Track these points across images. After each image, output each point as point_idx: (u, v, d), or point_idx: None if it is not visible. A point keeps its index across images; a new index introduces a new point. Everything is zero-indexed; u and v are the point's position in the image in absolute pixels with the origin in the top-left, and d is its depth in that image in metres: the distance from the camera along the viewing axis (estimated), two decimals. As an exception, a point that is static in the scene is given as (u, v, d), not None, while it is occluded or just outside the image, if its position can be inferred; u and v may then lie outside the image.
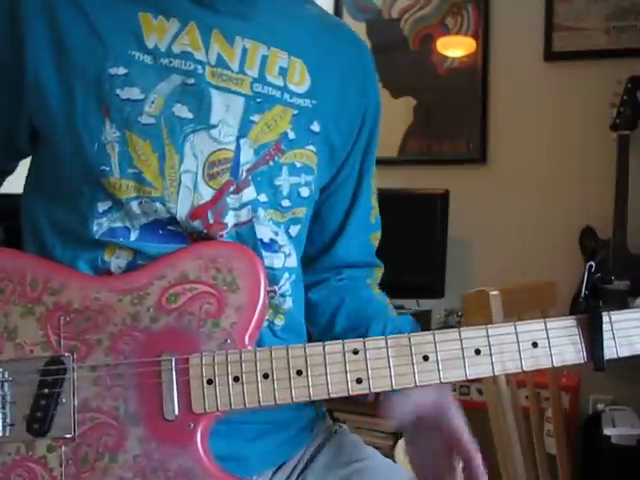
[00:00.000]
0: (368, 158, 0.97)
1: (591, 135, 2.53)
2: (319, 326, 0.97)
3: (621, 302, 2.23)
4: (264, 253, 0.83)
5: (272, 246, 0.84)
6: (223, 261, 0.75)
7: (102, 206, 0.77)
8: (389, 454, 2.16)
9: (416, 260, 2.50)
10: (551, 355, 0.72)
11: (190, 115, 0.77)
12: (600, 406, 2.31)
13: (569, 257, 2.47)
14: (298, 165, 0.84)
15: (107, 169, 0.76)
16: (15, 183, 0.94)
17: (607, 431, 2.06)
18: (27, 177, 0.86)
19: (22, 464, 0.71)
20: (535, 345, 0.72)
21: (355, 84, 0.92)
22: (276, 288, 0.85)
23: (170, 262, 0.75)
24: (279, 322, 0.86)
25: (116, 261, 0.77)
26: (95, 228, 0.77)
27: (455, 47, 2.77)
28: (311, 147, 0.86)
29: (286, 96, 0.84)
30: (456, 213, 2.54)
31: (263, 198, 0.82)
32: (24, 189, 0.87)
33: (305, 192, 0.86)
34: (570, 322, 0.73)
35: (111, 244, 0.77)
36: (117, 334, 0.73)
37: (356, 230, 0.98)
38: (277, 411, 0.81)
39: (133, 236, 0.78)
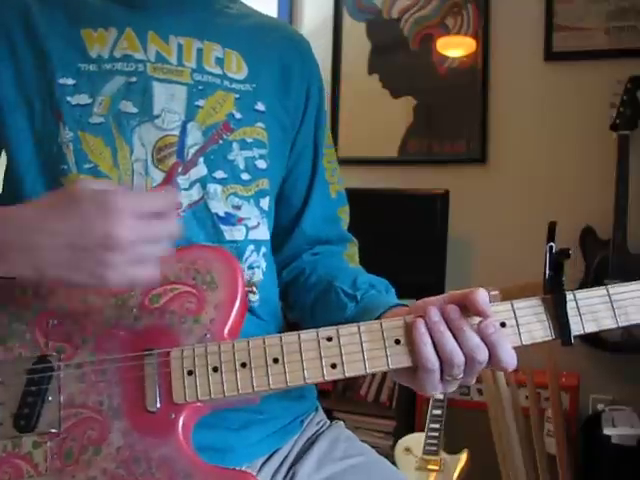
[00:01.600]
0: (320, 132, 1.03)
1: (591, 135, 2.53)
2: (292, 296, 1.00)
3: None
4: (222, 227, 0.87)
5: (229, 219, 0.88)
6: (202, 262, 0.78)
7: None
8: (389, 454, 2.16)
9: (416, 260, 2.51)
10: (519, 333, 0.74)
11: (135, 110, 0.85)
12: (600, 406, 2.31)
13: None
14: (249, 140, 0.91)
15: (65, 167, 0.82)
16: None
17: (607, 431, 2.06)
18: (3, 179, 0.90)
19: (8, 461, 0.73)
20: (503, 325, 0.74)
21: (295, 67, 0.99)
22: (244, 267, 0.88)
23: None
24: (254, 297, 0.90)
25: None
26: None
27: (455, 47, 2.77)
28: (260, 124, 0.92)
29: (226, 82, 0.91)
30: (456, 213, 2.54)
31: (220, 174, 0.88)
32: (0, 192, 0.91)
33: (262, 164, 0.92)
34: (536, 302, 0.75)
35: None
36: (102, 334, 0.76)
37: (319, 204, 1.02)
38: (268, 401, 0.83)
39: None
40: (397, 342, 0.73)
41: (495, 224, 2.66)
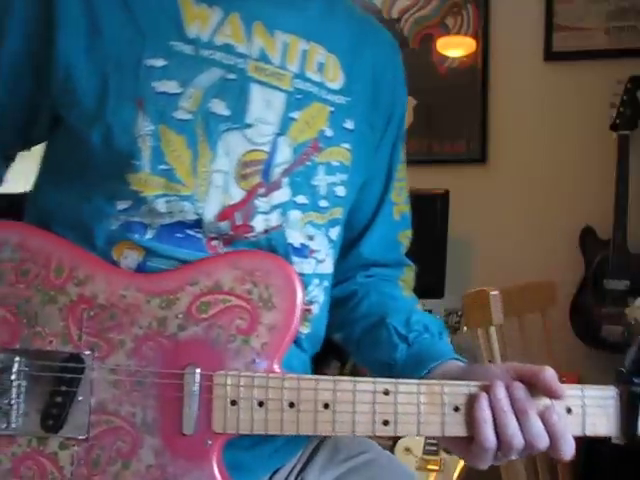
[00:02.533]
0: (396, 153, 0.96)
1: (591, 135, 2.53)
2: (340, 317, 0.94)
3: (621, 302, 2.23)
4: (294, 259, 0.80)
5: (302, 251, 0.81)
6: (261, 275, 0.71)
7: (121, 204, 0.74)
8: (389, 454, 2.16)
9: (416, 260, 2.50)
10: (584, 424, 0.69)
11: (227, 112, 0.75)
12: (600, 406, 2.31)
13: (569, 257, 2.47)
14: (334, 164, 0.83)
15: (137, 163, 0.72)
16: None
17: (607, 431, 2.05)
18: (40, 167, 0.83)
19: (33, 457, 0.70)
20: (569, 411, 0.69)
21: (386, 83, 0.91)
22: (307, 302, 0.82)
23: (204, 268, 0.72)
24: (304, 330, 0.84)
25: (125, 261, 0.74)
26: (111, 226, 0.74)
27: (455, 47, 2.77)
28: (346, 145, 0.84)
29: (323, 92, 0.82)
30: (456, 213, 2.54)
31: (302, 200, 0.80)
32: (35, 181, 0.84)
33: (341, 191, 0.84)
34: (609, 392, 0.71)
35: (123, 241, 0.74)
36: (142, 337, 0.70)
37: (381, 227, 0.95)
38: None
39: (149, 234, 0.74)
40: (456, 409, 0.69)
41: (495, 224, 2.66)
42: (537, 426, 0.67)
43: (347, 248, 0.95)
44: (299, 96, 0.79)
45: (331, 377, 0.69)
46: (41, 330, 0.71)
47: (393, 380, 0.69)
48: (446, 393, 0.69)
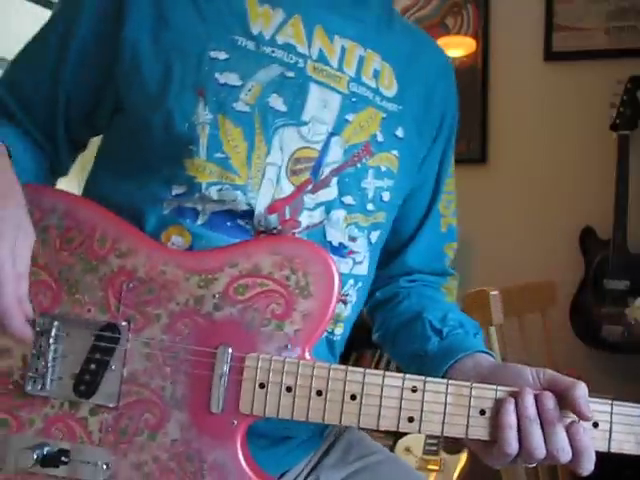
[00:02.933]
0: (445, 164, 0.97)
1: (591, 135, 2.53)
2: (380, 317, 0.96)
3: (621, 302, 2.23)
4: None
5: (340, 250, 0.82)
6: (300, 262, 0.72)
7: (177, 189, 0.76)
8: (389, 454, 2.16)
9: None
10: (609, 440, 0.68)
11: (284, 108, 0.77)
12: (600, 406, 2.31)
13: (569, 257, 2.47)
14: (382, 169, 0.84)
15: (194, 149, 0.75)
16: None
17: (607, 431, 2.05)
18: (97, 154, 0.86)
19: (64, 420, 0.72)
20: (596, 425, 0.68)
21: (438, 94, 0.93)
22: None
23: (245, 250, 0.73)
24: (339, 331, 0.85)
25: (171, 247, 0.76)
26: (164, 211, 0.76)
27: (455, 47, 2.77)
28: (395, 152, 0.86)
29: (377, 99, 0.84)
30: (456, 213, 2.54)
31: (349, 200, 0.81)
32: (91, 169, 0.86)
33: (386, 196, 0.86)
34: (638, 411, 0.69)
35: (173, 225, 0.76)
36: (178, 314, 0.72)
37: (427, 237, 0.96)
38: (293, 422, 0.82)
39: (200, 220, 0.76)
40: (482, 413, 0.68)
41: (495, 224, 2.66)
42: (562, 439, 0.66)
43: (392, 256, 0.96)
44: (354, 99, 0.82)
45: (361, 369, 0.69)
46: (81, 298, 0.73)
47: (422, 378, 0.69)
48: (474, 396, 0.69)
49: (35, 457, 0.70)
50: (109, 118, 0.83)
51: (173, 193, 0.76)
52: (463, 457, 2.03)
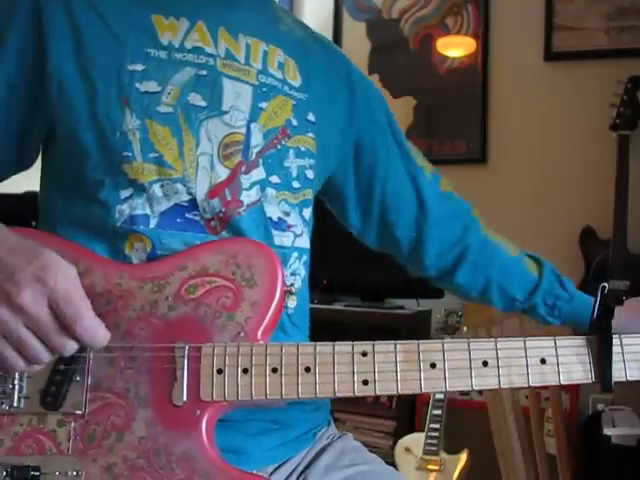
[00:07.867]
0: (397, 132, 1.06)
1: (591, 135, 2.53)
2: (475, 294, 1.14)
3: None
4: (274, 232, 0.87)
5: (280, 225, 0.88)
6: (243, 257, 0.77)
7: (124, 192, 0.81)
8: (388, 454, 2.16)
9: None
10: (559, 372, 0.73)
11: (203, 103, 0.84)
12: (600, 406, 2.31)
13: (569, 257, 2.47)
14: (302, 149, 0.91)
15: (129, 155, 0.80)
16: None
17: (607, 431, 2.05)
18: (41, 177, 0.89)
19: (32, 435, 0.73)
20: (543, 361, 0.73)
21: (340, 83, 1.01)
22: (288, 273, 0.89)
23: (192, 255, 0.78)
24: (292, 304, 0.90)
25: (136, 254, 0.80)
26: (117, 216, 0.80)
27: (455, 47, 2.77)
28: (310, 134, 0.93)
29: (285, 88, 0.92)
30: (456, 213, 2.54)
31: (275, 179, 0.87)
32: (40, 189, 0.90)
33: (310, 174, 0.93)
34: (580, 342, 0.74)
35: (131, 233, 0.80)
36: (135, 319, 0.75)
37: (428, 193, 1.08)
38: (284, 411, 0.83)
39: (152, 223, 0.81)
40: (432, 366, 0.73)
41: (495, 224, 2.65)
42: None
43: (421, 239, 1.07)
44: (265, 89, 0.89)
45: (312, 343, 0.74)
46: None
47: (370, 342, 0.74)
48: (422, 350, 0.73)
49: (4, 475, 0.71)
50: (39, 147, 0.87)
51: (122, 197, 0.81)
52: (463, 457, 2.03)
